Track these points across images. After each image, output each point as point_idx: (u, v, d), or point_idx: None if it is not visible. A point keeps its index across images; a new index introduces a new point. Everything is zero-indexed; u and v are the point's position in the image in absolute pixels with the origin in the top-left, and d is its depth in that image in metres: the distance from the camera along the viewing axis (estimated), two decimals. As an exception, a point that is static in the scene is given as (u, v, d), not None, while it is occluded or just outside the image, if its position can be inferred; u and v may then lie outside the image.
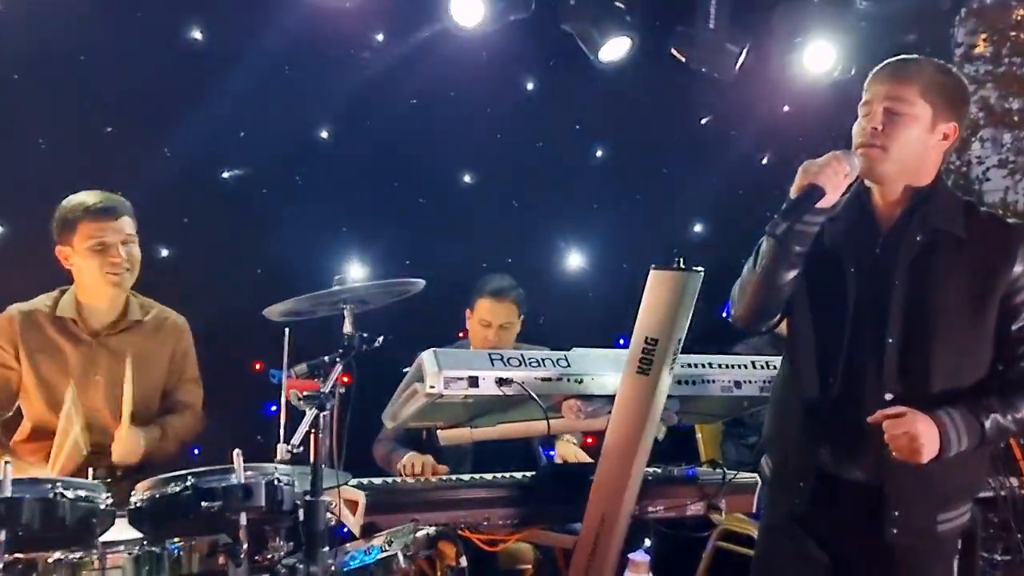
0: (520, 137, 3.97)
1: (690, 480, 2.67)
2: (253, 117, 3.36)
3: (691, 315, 2.13)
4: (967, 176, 9.29)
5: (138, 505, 1.70)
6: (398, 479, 2.59)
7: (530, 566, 2.92)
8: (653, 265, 2.09)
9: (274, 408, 3.55)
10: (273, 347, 3.15)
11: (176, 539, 1.82)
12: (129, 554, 1.75)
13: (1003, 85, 8.67)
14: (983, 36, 8.42)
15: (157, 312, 2.64)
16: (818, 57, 3.88)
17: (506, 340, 3.04)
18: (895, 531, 1.80)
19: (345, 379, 2.31)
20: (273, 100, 3.37)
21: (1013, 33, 8.25)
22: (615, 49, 3.64)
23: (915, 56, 1.86)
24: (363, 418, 2.49)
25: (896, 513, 1.80)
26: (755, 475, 2.54)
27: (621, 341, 3.49)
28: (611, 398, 2.27)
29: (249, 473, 1.68)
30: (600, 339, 2.84)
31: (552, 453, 3.15)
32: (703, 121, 4.41)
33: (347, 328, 1.85)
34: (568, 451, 2.95)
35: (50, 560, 1.67)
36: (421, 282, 2.01)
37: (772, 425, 2.03)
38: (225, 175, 3.42)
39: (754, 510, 2.68)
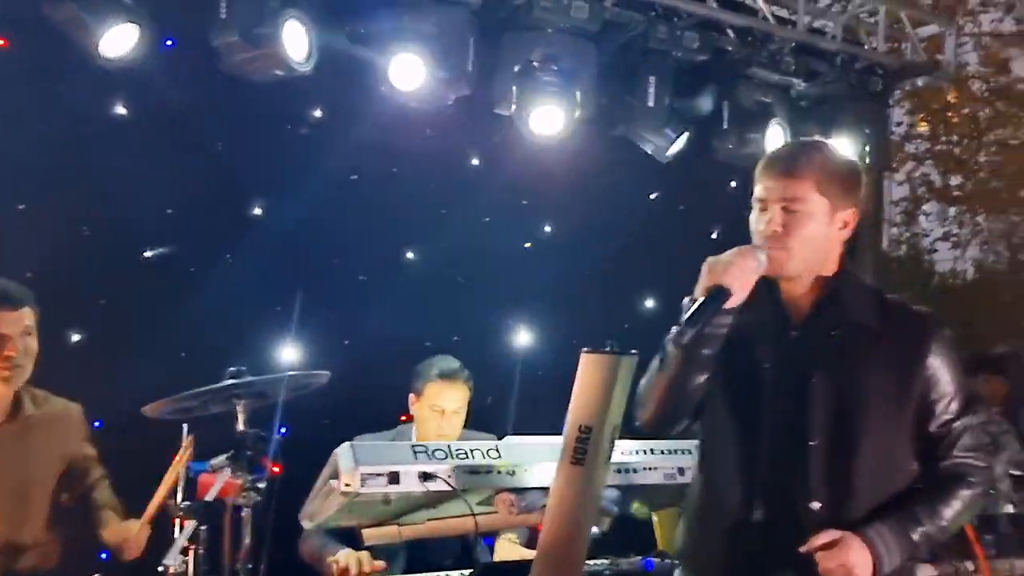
0: (465, 213, 3.90)
1: (644, 573, 2.51)
2: (181, 194, 3.23)
3: (627, 401, 2.00)
4: (917, 247, 9.56)
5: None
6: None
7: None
8: (584, 349, 1.96)
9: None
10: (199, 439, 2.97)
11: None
12: None
13: (942, 163, 9.03)
14: (920, 116, 8.79)
15: (51, 403, 2.47)
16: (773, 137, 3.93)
17: (457, 426, 2.85)
18: None
19: (275, 469, 2.12)
20: (203, 177, 3.25)
21: (949, 114, 8.63)
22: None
23: (805, 142, 1.85)
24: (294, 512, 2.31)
25: None
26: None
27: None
28: (545, 491, 2.11)
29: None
30: (553, 420, 2.69)
31: (492, 541, 2.94)
32: (652, 197, 4.41)
33: (240, 426, 1.67)
34: (505, 550, 2.74)
35: None
36: (325, 374, 1.85)
37: (689, 542, 1.85)
38: (147, 254, 3.25)
39: None
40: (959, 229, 9.21)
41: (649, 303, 4.47)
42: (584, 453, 1.97)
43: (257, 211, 3.50)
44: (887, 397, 1.69)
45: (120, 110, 3.19)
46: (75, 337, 2.99)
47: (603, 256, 4.24)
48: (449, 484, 1.99)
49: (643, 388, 1.78)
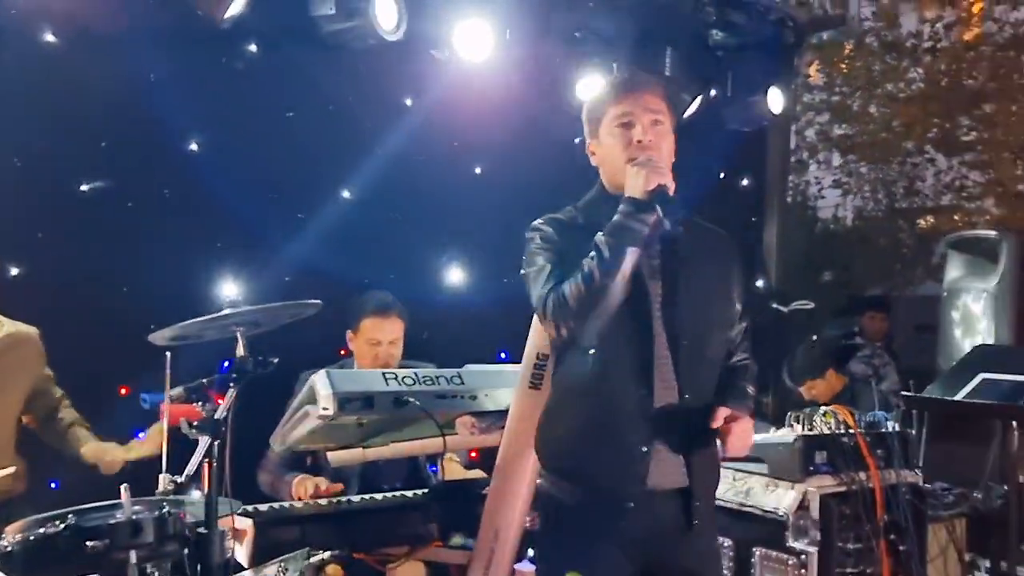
0: (399, 152, 3.95)
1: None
2: (115, 127, 3.17)
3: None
4: (804, 194, 10.16)
5: (9, 549, 1.55)
6: (285, 504, 2.50)
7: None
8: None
9: (141, 435, 3.37)
10: (140, 371, 3.00)
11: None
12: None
13: (836, 113, 9.56)
14: (816, 67, 9.25)
15: (10, 328, 2.50)
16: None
17: (395, 357, 3.00)
18: (696, 521, 1.90)
19: (219, 402, 2.22)
20: (137, 110, 3.18)
21: (844, 65, 9.10)
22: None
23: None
24: (240, 443, 2.41)
25: (698, 504, 1.90)
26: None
27: (503, 355, 3.55)
28: (503, 413, 2.31)
29: (137, 507, 1.58)
30: (483, 353, 2.87)
31: (436, 468, 3.14)
32: (577, 140, 4.56)
33: (240, 352, 1.78)
34: (452, 469, 2.95)
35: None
36: (318, 303, 1.97)
37: (568, 446, 1.91)
38: (84, 188, 3.19)
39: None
40: (847, 178, 9.80)
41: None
42: (541, 379, 2.19)
43: (194, 146, 3.45)
44: (721, 298, 2.00)
45: (50, 38, 3.07)
46: (14, 271, 2.93)
47: (527, 196, 4.39)
48: (421, 408, 2.16)
49: (579, 295, 1.80)
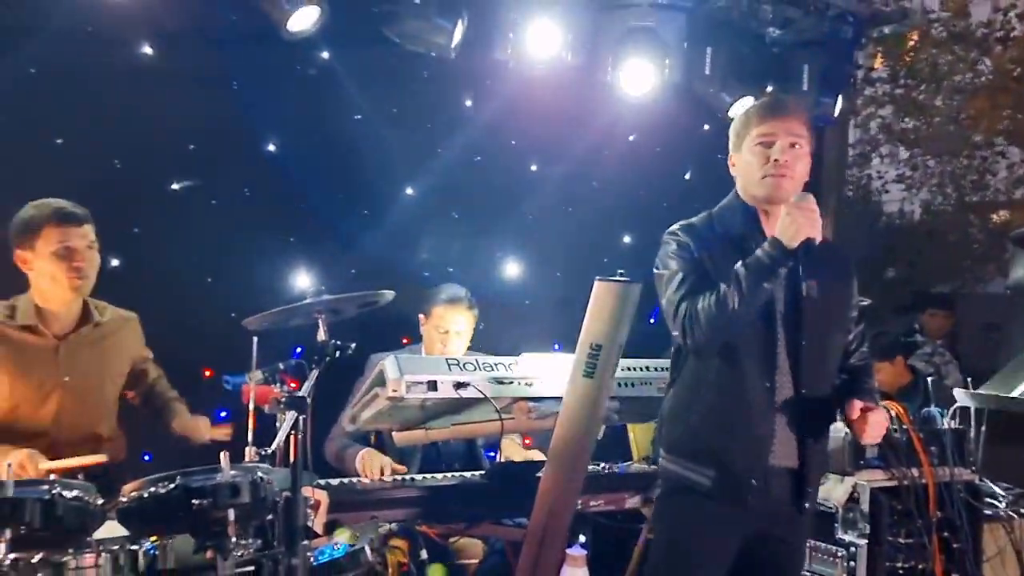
0: (459, 152, 4.14)
1: (626, 476, 2.87)
2: (202, 130, 3.43)
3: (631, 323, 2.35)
4: (867, 188, 9.98)
5: (127, 505, 1.79)
6: (355, 480, 2.71)
7: (477, 560, 3.09)
8: (598, 277, 2.30)
9: (223, 414, 3.64)
10: (221, 355, 3.26)
11: (153, 539, 1.92)
12: (108, 553, 1.85)
13: (900, 106, 9.37)
14: (881, 60, 9.07)
15: (113, 313, 2.73)
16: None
17: (459, 347, 3.18)
18: (807, 505, 2.16)
19: (292, 385, 2.44)
20: (221, 114, 3.44)
21: (908, 57, 8.92)
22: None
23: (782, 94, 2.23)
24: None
25: (810, 490, 2.15)
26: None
27: (556, 346, 3.71)
28: (557, 400, 2.47)
29: (234, 472, 1.80)
30: (537, 345, 3.03)
31: (492, 454, 3.32)
32: (631, 138, 4.68)
33: (321, 336, 1.99)
34: (514, 450, 3.13)
35: (34, 560, 1.74)
36: (391, 294, 2.16)
37: (701, 432, 2.12)
38: (175, 187, 3.47)
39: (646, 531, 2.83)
40: (912, 172, 9.58)
41: (627, 239, 4.79)
42: (594, 368, 2.34)
43: (272, 148, 3.71)
44: (842, 305, 2.21)
45: (147, 50, 3.35)
46: (114, 262, 3.21)
47: (584, 193, 4.53)
48: (480, 392, 2.34)
49: (711, 318, 2.02)
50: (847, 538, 2.78)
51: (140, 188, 3.32)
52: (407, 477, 2.76)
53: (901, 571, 2.85)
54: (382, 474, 2.75)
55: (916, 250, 8.94)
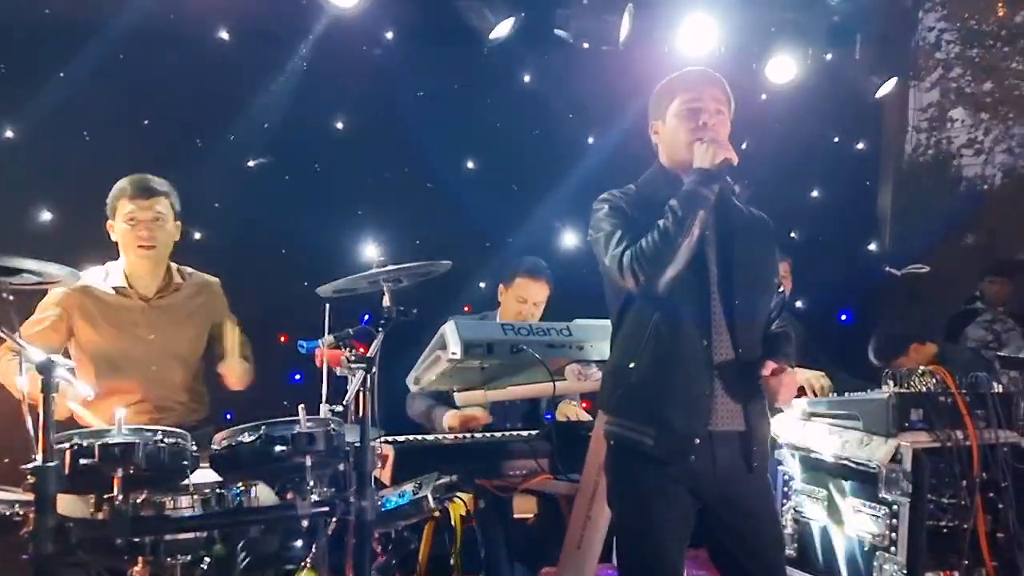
0: (518, 125, 4.26)
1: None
2: (275, 110, 3.65)
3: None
4: (946, 152, 9.60)
5: (219, 452, 2.02)
6: (419, 437, 2.90)
7: (533, 514, 3.26)
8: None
9: (297, 376, 3.89)
10: (295, 321, 3.48)
11: (239, 484, 2.14)
12: (199, 495, 2.08)
13: (971, 69, 8.98)
14: (948, 22, 8.70)
15: (196, 276, 2.93)
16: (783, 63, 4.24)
17: (535, 316, 3.30)
18: (755, 463, 2.13)
19: (361, 349, 2.62)
20: (292, 94, 3.65)
21: (974, 21, 8.54)
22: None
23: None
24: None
25: (755, 448, 2.13)
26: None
27: (612, 315, 3.82)
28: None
29: (310, 423, 2.00)
30: (595, 311, 3.14)
31: (551, 415, 3.48)
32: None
33: (386, 303, 2.16)
34: (570, 410, 3.28)
35: (139, 500, 1.98)
36: (448, 263, 2.33)
37: (640, 393, 2.09)
38: (251, 164, 3.70)
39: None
40: (984, 136, 9.22)
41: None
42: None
43: (339, 126, 3.90)
44: (769, 268, 2.24)
45: (224, 35, 3.57)
46: (196, 235, 3.46)
47: (641, 165, 4.58)
48: (534, 355, 2.50)
49: (656, 249, 2.03)
50: (889, 497, 2.80)
51: (219, 165, 3.55)
52: (467, 435, 2.94)
53: (945, 530, 2.88)
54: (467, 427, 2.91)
55: (997, 215, 8.60)
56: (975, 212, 8.69)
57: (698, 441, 2.06)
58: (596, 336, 2.65)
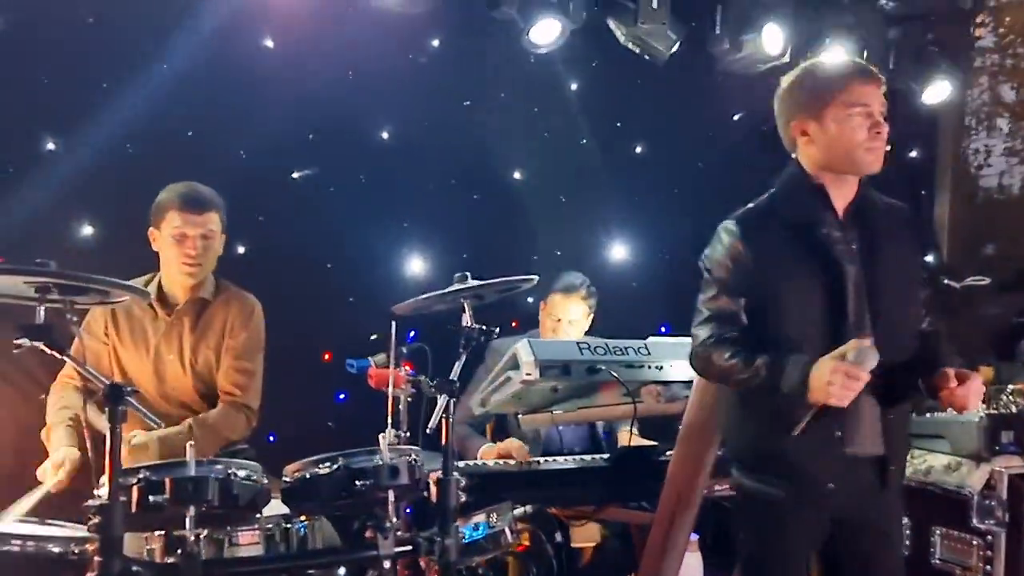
0: (565, 135, 4.13)
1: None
2: (320, 120, 3.52)
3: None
4: (967, 162, 9.44)
5: (290, 485, 1.87)
6: (483, 463, 2.74)
7: (592, 543, 3.10)
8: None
9: (342, 396, 3.74)
10: (340, 339, 3.34)
11: (302, 518, 2.00)
12: (262, 531, 1.93)
13: (1014, 77, 8.82)
14: (992, 29, 8.55)
15: (230, 293, 2.75)
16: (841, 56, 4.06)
17: (574, 335, 3.15)
18: (892, 488, 2.00)
19: (408, 367, 2.47)
20: (337, 104, 3.52)
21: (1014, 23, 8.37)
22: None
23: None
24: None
25: (893, 468, 1.98)
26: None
27: (663, 329, 3.67)
28: (688, 383, 2.45)
29: (392, 455, 1.85)
30: (645, 327, 2.98)
31: (608, 436, 3.31)
32: (736, 117, 4.57)
33: (466, 321, 2.02)
34: (623, 435, 3.12)
35: (201, 536, 1.83)
36: (534, 278, 2.18)
37: (765, 443, 1.97)
38: (295, 175, 3.58)
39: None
40: (1020, 145, 9.04)
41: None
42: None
43: (385, 136, 3.78)
44: (912, 271, 2.04)
45: (268, 43, 3.46)
46: (240, 248, 3.33)
47: (690, 174, 4.45)
48: (613, 376, 2.34)
49: (722, 377, 1.98)
50: (983, 526, 2.70)
51: (263, 177, 3.42)
52: (533, 461, 2.78)
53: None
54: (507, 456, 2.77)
55: (1016, 226, 8.45)
56: (996, 220, 8.54)
57: (831, 486, 1.93)
58: (676, 354, 2.49)
